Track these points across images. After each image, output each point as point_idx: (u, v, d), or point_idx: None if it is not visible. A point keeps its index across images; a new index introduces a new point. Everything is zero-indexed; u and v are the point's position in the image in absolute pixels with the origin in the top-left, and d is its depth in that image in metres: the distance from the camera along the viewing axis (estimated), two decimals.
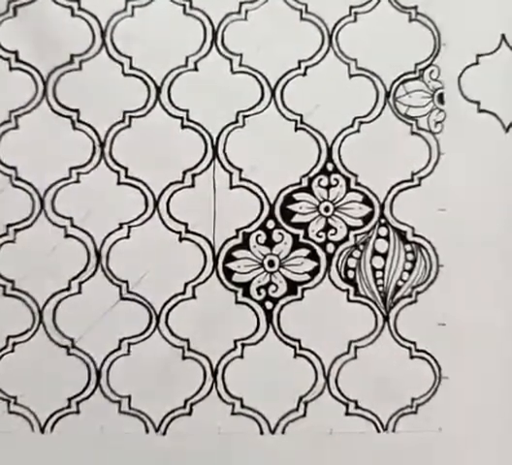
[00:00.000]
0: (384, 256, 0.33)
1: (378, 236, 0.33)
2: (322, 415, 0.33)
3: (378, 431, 0.33)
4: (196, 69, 0.33)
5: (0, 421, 0.33)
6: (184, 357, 0.33)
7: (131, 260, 0.33)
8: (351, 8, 0.33)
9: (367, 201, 0.33)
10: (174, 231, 0.33)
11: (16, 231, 0.33)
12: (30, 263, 0.33)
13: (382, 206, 0.33)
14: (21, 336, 0.33)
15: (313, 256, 0.33)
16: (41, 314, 0.33)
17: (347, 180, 0.33)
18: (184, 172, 0.33)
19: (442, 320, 0.32)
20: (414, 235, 0.33)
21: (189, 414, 0.33)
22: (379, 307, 0.33)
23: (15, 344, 0.33)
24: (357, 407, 0.33)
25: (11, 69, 0.33)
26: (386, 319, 0.33)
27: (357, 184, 0.33)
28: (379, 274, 0.33)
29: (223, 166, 0.33)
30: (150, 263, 0.33)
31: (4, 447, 0.32)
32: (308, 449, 0.33)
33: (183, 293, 0.33)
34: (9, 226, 0.33)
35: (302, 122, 0.33)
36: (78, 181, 0.33)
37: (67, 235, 0.33)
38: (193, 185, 0.33)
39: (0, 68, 0.33)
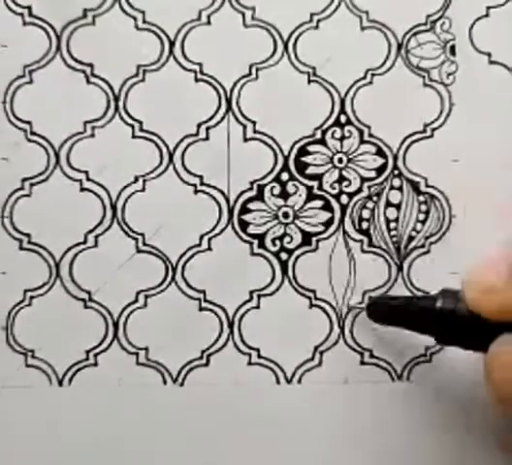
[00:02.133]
0: (397, 207, 0.33)
1: (392, 188, 0.33)
2: (337, 364, 0.33)
3: (393, 380, 0.33)
4: (209, 22, 0.33)
5: (18, 375, 0.33)
6: (201, 309, 0.33)
7: (147, 212, 0.33)
8: None
9: (380, 153, 0.33)
10: (188, 183, 0.33)
11: (32, 185, 0.33)
12: (46, 216, 0.33)
13: (395, 158, 0.33)
14: (38, 290, 0.33)
15: (327, 207, 0.33)
16: (57, 267, 0.33)
17: (360, 132, 0.33)
18: (198, 125, 0.33)
19: (455, 269, 0.33)
20: (427, 186, 0.33)
21: (206, 364, 0.33)
22: (393, 257, 0.33)
23: (32, 298, 0.33)
24: (372, 356, 0.33)
25: (24, 24, 0.33)
26: (400, 269, 0.33)
27: (370, 136, 0.33)
28: (393, 225, 0.33)
29: (237, 118, 0.33)
30: (166, 216, 0.33)
31: (22, 400, 0.33)
32: (324, 399, 0.33)
33: (199, 245, 0.33)
34: (24, 180, 0.33)
35: (314, 74, 0.33)
36: (92, 135, 0.33)
37: (82, 189, 0.33)
38: (207, 138, 0.33)
39: (13, 23, 0.33)
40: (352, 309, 0.33)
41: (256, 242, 0.33)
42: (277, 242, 0.33)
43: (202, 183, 0.33)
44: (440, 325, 0.28)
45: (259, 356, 0.33)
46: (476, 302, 0.26)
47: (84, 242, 0.33)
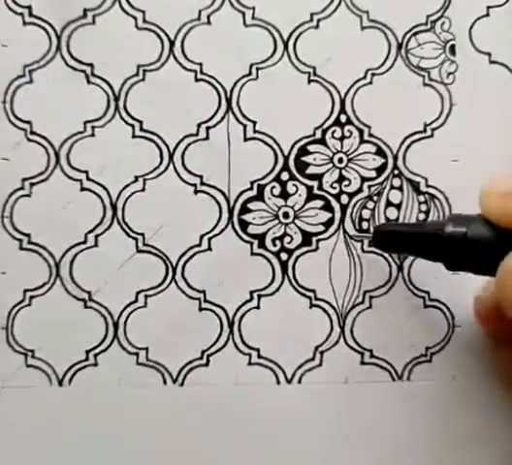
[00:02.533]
0: (398, 207, 0.33)
1: (392, 187, 0.33)
2: (337, 364, 0.33)
3: (393, 380, 0.33)
4: (209, 22, 0.33)
5: (18, 375, 0.33)
6: (201, 309, 0.33)
7: (147, 212, 0.33)
8: None
9: (380, 153, 0.33)
10: (189, 183, 0.33)
11: (32, 185, 0.33)
12: (46, 216, 0.33)
13: (395, 157, 0.33)
14: (38, 290, 0.33)
15: (328, 207, 0.33)
16: (57, 267, 0.33)
17: (361, 132, 0.33)
18: (198, 125, 0.33)
19: None
20: (427, 186, 0.33)
21: (206, 364, 0.33)
22: (394, 257, 0.33)
23: (32, 297, 0.33)
24: (372, 356, 0.33)
25: (24, 24, 0.33)
26: (400, 269, 0.33)
27: (370, 135, 0.33)
28: None
29: (237, 118, 0.33)
30: (166, 216, 0.33)
31: (22, 400, 0.33)
32: (324, 399, 0.33)
33: (199, 245, 0.33)
34: (24, 180, 0.33)
35: (315, 74, 0.33)
36: (93, 135, 0.33)
37: (83, 189, 0.33)
38: (207, 138, 0.33)
39: (14, 23, 0.33)
40: (356, 238, 0.33)
41: (256, 242, 0.33)
42: (278, 242, 0.33)
43: (202, 183, 0.33)
44: (450, 249, 0.27)
45: (259, 356, 0.33)
46: (494, 208, 0.25)
47: (84, 242, 0.33)
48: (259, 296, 0.33)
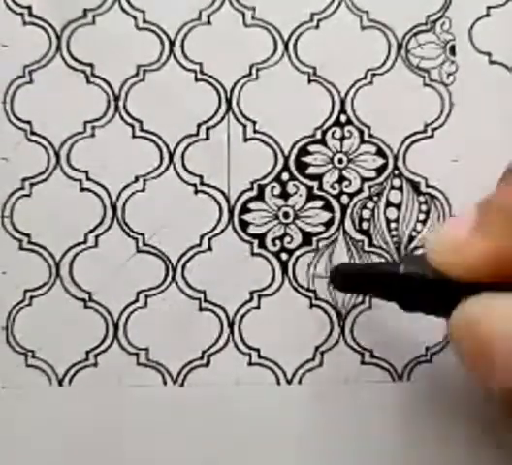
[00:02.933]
0: (398, 207, 0.33)
1: (392, 187, 0.33)
2: (338, 364, 0.33)
3: (393, 380, 0.33)
4: (209, 22, 0.33)
5: (18, 375, 0.33)
6: (201, 309, 0.33)
7: (147, 212, 0.33)
8: None
9: (380, 153, 0.33)
10: (189, 183, 0.33)
11: (32, 185, 0.33)
12: (46, 216, 0.33)
13: (395, 158, 0.33)
14: (38, 290, 0.33)
15: (328, 207, 0.33)
16: (58, 267, 0.33)
17: (361, 132, 0.33)
18: (198, 125, 0.33)
19: None
20: (427, 186, 0.33)
21: (206, 365, 0.33)
22: (393, 257, 0.33)
23: (32, 298, 0.33)
24: (372, 356, 0.33)
25: (24, 24, 0.33)
26: None
27: (370, 136, 0.33)
28: (393, 225, 0.33)
29: (237, 118, 0.33)
30: (166, 216, 0.33)
31: (22, 400, 0.33)
32: (324, 399, 0.33)
33: (199, 245, 0.33)
34: (24, 180, 0.33)
35: (315, 74, 0.33)
36: (93, 135, 0.33)
37: (82, 189, 0.33)
38: (207, 138, 0.33)
39: (14, 23, 0.33)
40: (316, 277, 0.33)
41: (256, 242, 0.33)
42: (278, 242, 0.33)
43: (202, 183, 0.33)
44: (404, 290, 0.27)
45: (259, 357, 0.33)
46: (441, 263, 0.25)
47: (85, 242, 0.33)
48: (259, 297, 0.33)
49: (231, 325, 0.33)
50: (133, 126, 0.33)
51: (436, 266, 0.25)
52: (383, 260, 0.33)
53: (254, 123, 0.33)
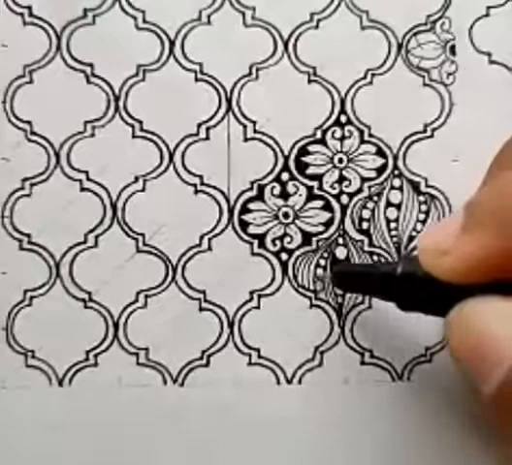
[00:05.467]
0: (398, 207, 0.33)
1: (392, 188, 0.33)
2: (338, 364, 0.33)
3: (393, 380, 0.33)
4: (209, 22, 0.33)
5: (18, 375, 0.33)
6: (201, 309, 0.33)
7: (147, 212, 0.33)
8: None
9: (380, 153, 0.33)
10: (189, 183, 0.33)
11: (32, 185, 0.33)
12: (46, 216, 0.33)
13: (395, 158, 0.33)
14: (38, 290, 0.33)
15: (328, 207, 0.33)
16: (58, 267, 0.33)
17: (361, 132, 0.33)
18: (199, 125, 0.33)
19: None
20: (427, 186, 0.33)
21: (206, 365, 0.33)
22: (393, 257, 0.33)
23: (32, 298, 0.33)
24: (372, 356, 0.33)
25: (24, 24, 0.33)
26: None
27: (370, 136, 0.33)
28: (393, 225, 0.33)
29: (237, 118, 0.33)
30: (166, 216, 0.33)
31: (22, 400, 0.33)
32: (324, 399, 0.33)
33: (199, 245, 0.33)
34: (25, 180, 0.33)
35: (315, 74, 0.33)
36: (93, 135, 0.33)
37: (82, 189, 0.33)
38: (207, 138, 0.33)
39: (14, 23, 0.33)
40: (320, 279, 0.33)
41: (256, 242, 0.33)
42: (278, 242, 0.33)
43: (202, 183, 0.33)
44: (401, 290, 0.27)
45: (259, 357, 0.33)
46: (431, 266, 0.25)
47: (84, 242, 0.33)
48: (259, 296, 0.33)
49: (231, 324, 0.33)
50: (133, 126, 0.33)
51: (426, 269, 0.25)
52: (383, 260, 0.33)
53: (254, 123, 0.33)
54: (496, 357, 0.22)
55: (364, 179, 0.33)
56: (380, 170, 0.33)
